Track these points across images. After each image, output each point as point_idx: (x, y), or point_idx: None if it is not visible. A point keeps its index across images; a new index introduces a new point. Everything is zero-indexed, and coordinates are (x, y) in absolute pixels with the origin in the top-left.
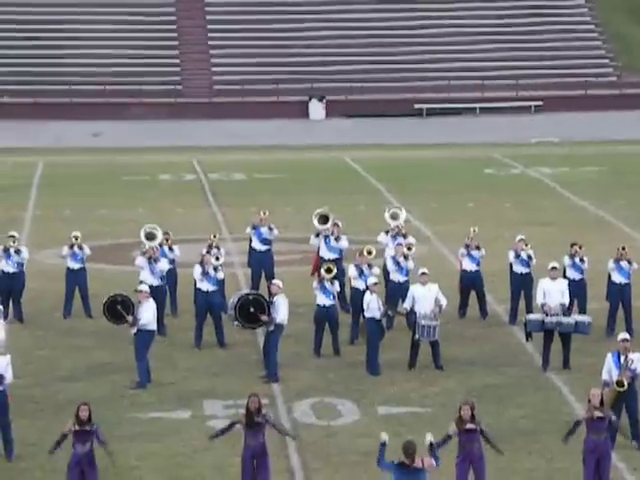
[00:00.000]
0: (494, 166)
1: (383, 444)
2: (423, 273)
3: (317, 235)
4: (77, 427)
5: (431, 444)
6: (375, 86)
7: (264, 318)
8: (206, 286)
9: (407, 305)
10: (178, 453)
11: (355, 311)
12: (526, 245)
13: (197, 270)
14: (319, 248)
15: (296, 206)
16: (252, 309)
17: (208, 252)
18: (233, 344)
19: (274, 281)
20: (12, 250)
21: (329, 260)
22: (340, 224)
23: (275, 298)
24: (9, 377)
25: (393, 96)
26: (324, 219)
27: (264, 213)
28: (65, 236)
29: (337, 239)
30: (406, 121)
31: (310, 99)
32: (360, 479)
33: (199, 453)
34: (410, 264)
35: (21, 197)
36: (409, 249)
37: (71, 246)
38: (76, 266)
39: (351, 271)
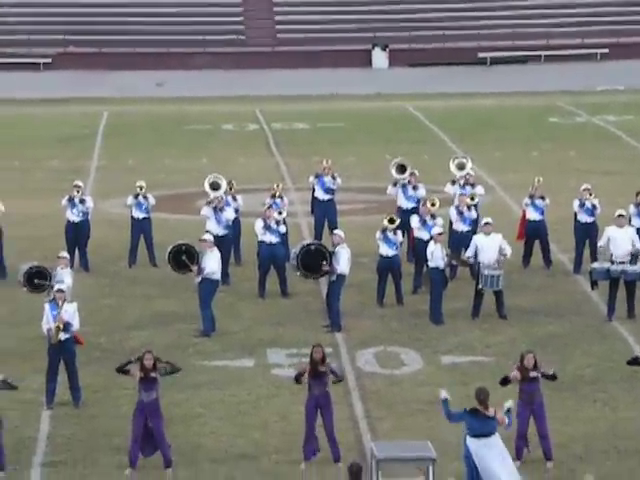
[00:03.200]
0: (558, 114)
1: (445, 400)
2: (487, 223)
3: (395, 184)
4: (142, 375)
5: (509, 409)
6: (439, 34)
7: (326, 267)
8: (269, 238)
9: (470, 254)
10: (242, 401)
11: (418, 261)
12: (590, 194)
13: (259, 224)
14: (397, 198)
15: (359, 156)
16: (313, 259)
17: (271, 205)
18: (296, 294)
19: (336, 231)
20: (77, 199)
21: (407, 210)
22: (417, 173)
23: (337, 248)
24: (76, 324)
25: (457, 44)
26: (402, 168)
27: (327, 162)
28: (129, 186)
29: (415, 188)
30: (470, 70)
31: (373, 48)
32: (424, 427)
33: (263, 401)
34: (473, 214)
35: (86, 147)
36: (472, 199)
37: (136, 196)
38: (141, 215)
39: (414, 221)
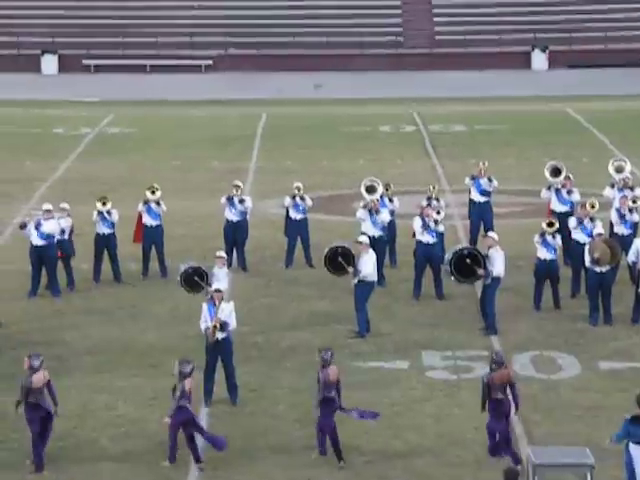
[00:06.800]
0: None
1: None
2: None
3: (549, 188)
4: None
5: None
6: (599, 36)
7: (480, 271)
8: (426, 238)
9: (630, 258)
10: (396, 402)
11: (574, 263)
12: None
13: (417, 222)
14: (550, 201)
15: (516, 158)
16: (466, 264)
17: (428, 204)
18: (451, 296)
19: (489, 233)
20: (236, 199)
21: (561, 213)
22: (572, 177)
23: (490, 251)
24: (233, 324)
25: (618, 46)
26: (556, 171)
27: (483, 164)
28: (287, 186)
29: (569, 192)
30: (631, 71)
31: (533, 49)
32: (581, 433)
33: (418, 403)
34: (635, 217)
35: (245, 148)
36: (634, 202)
37: (293, 197)
38: (298, 217)
39: (571, 222)
